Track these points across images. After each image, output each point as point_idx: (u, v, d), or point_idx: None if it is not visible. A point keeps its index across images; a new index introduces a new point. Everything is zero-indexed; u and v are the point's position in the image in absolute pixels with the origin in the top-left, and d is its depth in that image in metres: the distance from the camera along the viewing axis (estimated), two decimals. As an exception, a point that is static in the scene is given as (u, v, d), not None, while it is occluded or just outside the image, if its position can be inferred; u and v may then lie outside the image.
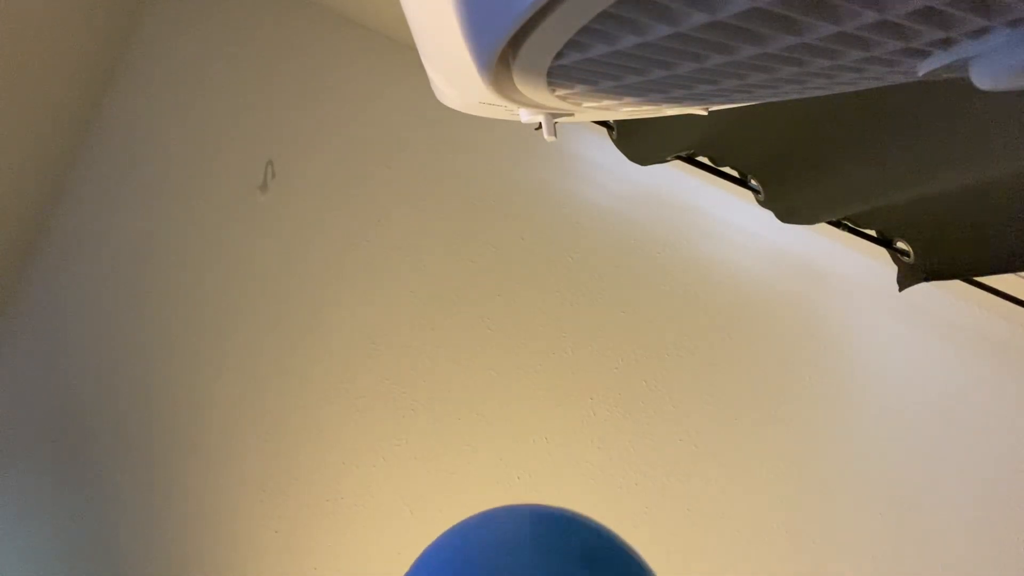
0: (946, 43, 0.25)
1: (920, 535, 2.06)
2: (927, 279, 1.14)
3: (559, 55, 0.32)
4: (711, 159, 1.28)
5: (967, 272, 1.10)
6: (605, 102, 0.42)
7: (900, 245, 1.19)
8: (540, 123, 0.48)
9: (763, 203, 1.24)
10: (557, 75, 0.35)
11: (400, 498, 1.97)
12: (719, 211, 2.08)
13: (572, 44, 0.30)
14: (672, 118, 1.01)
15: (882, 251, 1.24)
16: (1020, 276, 1.62)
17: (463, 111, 0.53)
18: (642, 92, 0.37)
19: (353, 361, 1.99)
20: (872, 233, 1.24)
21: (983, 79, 0.25)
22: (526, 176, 2.06)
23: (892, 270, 1.22)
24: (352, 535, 1.97)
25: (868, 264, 2.06)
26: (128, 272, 1.95)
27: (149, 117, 1.96)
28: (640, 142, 1.30)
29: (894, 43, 0.25)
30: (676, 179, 2.05)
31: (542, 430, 2.02)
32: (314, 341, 1.98)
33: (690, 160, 1.29)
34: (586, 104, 0.43)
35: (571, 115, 0.47)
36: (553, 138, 0.49)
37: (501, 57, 0.32)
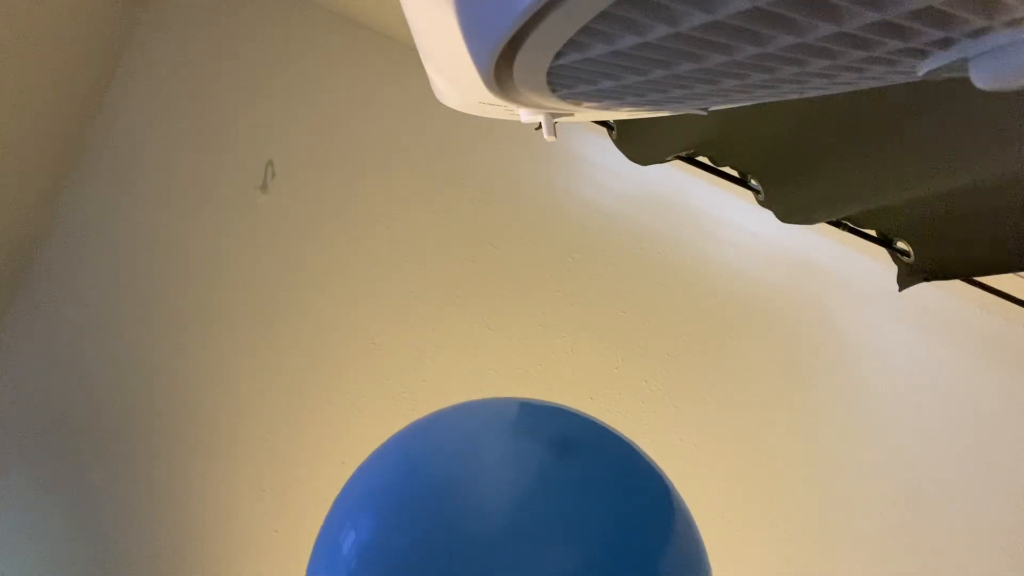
0: (946, 43, 0.25)
1: (921, 534, 2.06)
2: (927, 279, 1.14)
3: (559, 55, 0.32)
4: (711, 159, 1.28)
5: (967, 272, 1.10)
6: (605, 102, 0.42)
7: (900, 245, 1.19)
8: (540, 123, 0.48)
9: (763, 203, 1.24)
10: (557, 75, 0.35)
11: (400, 498, 1.97)
12: (719, 211, 2.08)
13: (572, 44, 0.30)
14: (672, 118, 1.01)
15: (882, 251, 1.23)
16: (1020, 276, 1.62)
17: (463, 111, 0.53)
18: (642, 92, 0.37)
19: (353, 361, 1.99)
20: (872, 233, 1.24)
21: (983, 79, 0.25)
22: (526, 176, 2.06)
23: (892, 270, 1.22)
24: (352, 535, 1.97)
25: (868, 264, 2.06)
26: (128, 272, 1.95)
27: (149, 118, 1.96)
28: (640, 142, 1.30)
29: (894, 43, 0.25)
30: (676, 179, 2.05)
31: (542, 430, 2.02)
32: (314, 341, 1.98)
33: (690, 160, 1.29)
34: (586, 104, 0.43)
35: (571, 115, 0.47)
36: (553, 138, 0.49)
37: (501, 57, 0.32)
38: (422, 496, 0.50)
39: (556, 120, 0.49)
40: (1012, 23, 0.23)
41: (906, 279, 1.18)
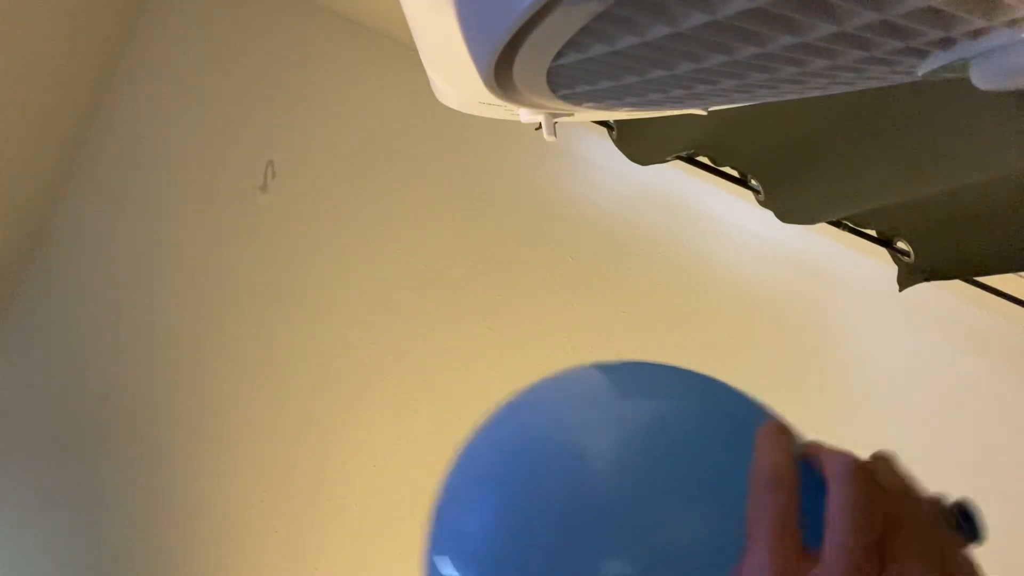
0: (946, 43, 0.25)
1: (920, 535, 2.06)
2: (927, 279, 1.14)
3: (559, 55, 0.32)
4: (711, 159, 1.28)
5: (967, 272, 1.10)
6: (605, 102, 0.42)
7: (900, 245, 1.19)
8: (540, 123, 0.48)
9: (763, 203, 1.24)
10: (557, 75, 0.36)
11: (400, 498, 1.97)
12: (719, 211, 2.08)
13: (571, 44, 0.30)
14: (672, 118, 1.01)
15: (882, 251, 1.23)
16: (1020, 276, 1.62)
17: (463, 111, 0.53)
18: (642, 92, 0.37)
19: (353, 361, 1.99)
20: (872, 233, 1.24)
21: (983, 79, 0.25)
22: (526, 176, 2.06)
23: (892, 270, 1.22)
24: (352, 535, 1.97)
25: (868, 264, 2.06)
26: (128, 273, 1.95)
27: (149, 118, 1.96)
28: (640, 142, 1.30)
29: (894, 43, 0.25)
30: (676, 179, 2.05)
31: (542, 430, 2.02)
32: (314, 341, 1.98)
33: (690, 160, 1.29)
34: (586, 104, 0.43)
35: (571, 115, 0.47)
36: (553, 138, 0.49)
37: (501, 57, 0.32)
38: (541, 466, 0.48)
39: (556, 120, 0.49)
40: (1012, 23, 0.23)
41: (906, 279, 1.18)
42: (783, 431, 0.39)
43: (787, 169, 1.14)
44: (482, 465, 0.54)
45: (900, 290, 1.19)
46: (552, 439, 0.51)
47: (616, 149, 1.33)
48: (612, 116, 0.50)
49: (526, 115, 0.46)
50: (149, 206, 1.95)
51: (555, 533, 0.43)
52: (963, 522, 0.34)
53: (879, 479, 0.34)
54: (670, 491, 0.44)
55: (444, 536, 0.51)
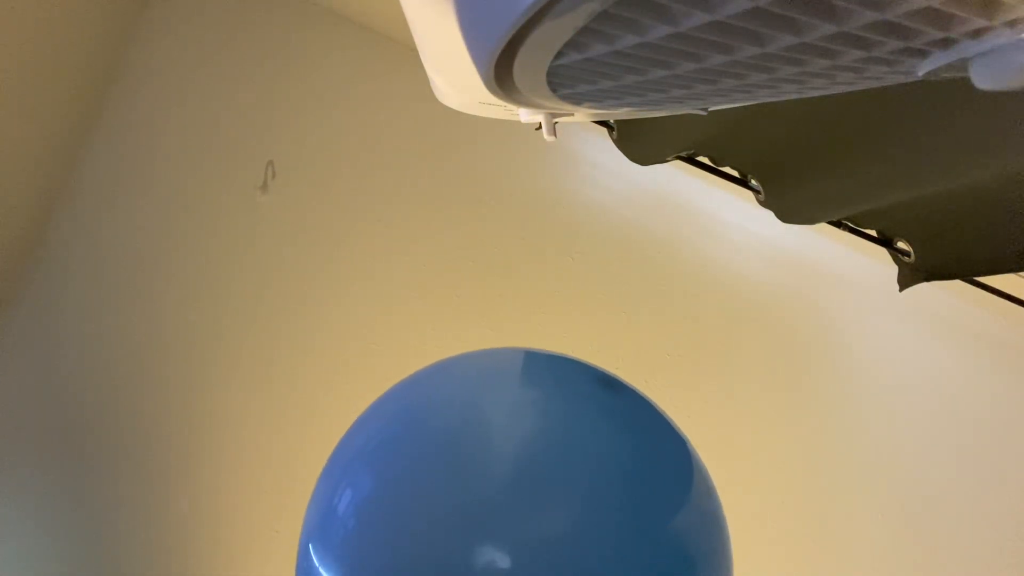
0: (946, 43, 0.25)
1: (920, 534, 2.06)
2: (927, 279, 1.14)
3: (559, 55, 0.32)
4: (711, 159, 1.28)
5: (967, 272, 1.10)
6: (605, 102, 0.42)
7: (900, 245, 1.19)
8: (540, 123, 0.48)
9: (763, 203, 1.24)
10: (557, 75, 0.36)
11: (400, 498, 1.97)
12: (719, 211, 2.08)
13: (571, 44, 0.30)
14: (672, 118, 1.01)
15: (882, 251, 1.23)
16: (1020, 276, 1.62)
17: (463, 111, 0.53)
18: (642, 92, 0.37)
19: (353, 361, 1.99)
20: (872, 233, 1.24)
21: (983, 79, 0.25)
22: (526, 176, 2.06)
23: (892, 270, 1.22)
24: (352, 535, 1.97)
25: (868, 264, 2.06)
26: (128, 272, 1.95)
27: (149, 118, 1.96)
28: (640, 142, 1.30)
29: (894, 43, 0.25)
30: (676, 179, 2.05)
31: (542, 430, 2.02)
32: (314, 341, 1.98)
33: (690, 160, 1.29)
34: (586, 104, 0.43)
35: (571, 115, 0.47)
36: (553, 138, 0.49)
37: (501, 57, 0.32)
38: (423, 448, 0.47)
39: (556, 120, 0.49)
40: (1012, 23, 0.23)
41: (906, 279, 1.18)
42: None
43: (787, 169, 1.14)
44: (358, 444, 0.52)
45: (900, 290, 1.19)
46: (441, 420, 0.50)
47: (616, 149, 1.33)
48: (612, 116, 0.50)
49: (526, 115, 0.46)
50: (149, 206, 1.95)
51: (426, 519, 0.41)
52: None
53: None
54: (545, 484, 0.43)
55: (313, 521, 0.49)
